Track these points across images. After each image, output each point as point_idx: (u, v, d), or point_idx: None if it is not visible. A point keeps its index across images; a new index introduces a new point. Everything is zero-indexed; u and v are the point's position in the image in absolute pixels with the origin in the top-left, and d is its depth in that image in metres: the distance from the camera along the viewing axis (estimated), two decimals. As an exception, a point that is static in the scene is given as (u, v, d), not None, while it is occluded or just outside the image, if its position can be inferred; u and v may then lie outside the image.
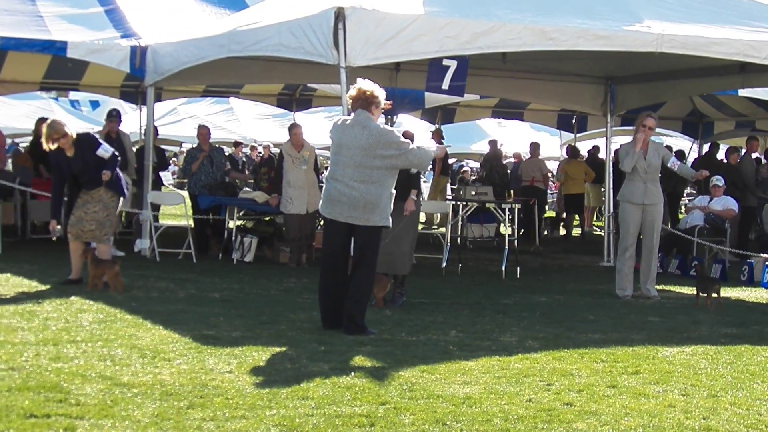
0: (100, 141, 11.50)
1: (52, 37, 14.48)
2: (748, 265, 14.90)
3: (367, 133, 8.89)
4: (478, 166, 25.81)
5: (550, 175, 23.42)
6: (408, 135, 10.47)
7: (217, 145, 17.38)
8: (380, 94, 9.06)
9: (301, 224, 14.31)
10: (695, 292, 11.85)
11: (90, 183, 11.26)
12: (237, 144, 28.77)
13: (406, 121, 27.64)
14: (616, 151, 13.82)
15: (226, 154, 18.89)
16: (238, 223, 15.55)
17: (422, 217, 23.14)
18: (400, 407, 6.37)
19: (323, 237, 9.55)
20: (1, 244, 14.06)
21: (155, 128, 16.57)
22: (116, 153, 11.52)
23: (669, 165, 12.54)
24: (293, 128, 14.85)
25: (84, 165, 11.17)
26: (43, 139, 11.21)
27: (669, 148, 18.03)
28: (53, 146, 11.08)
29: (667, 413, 6.54)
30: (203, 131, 16.22)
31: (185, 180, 18.36)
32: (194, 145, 16.92)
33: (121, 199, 11.67)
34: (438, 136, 23.31)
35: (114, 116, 15.83)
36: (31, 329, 8.45)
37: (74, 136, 11.17)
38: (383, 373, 7.38)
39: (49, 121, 11.48)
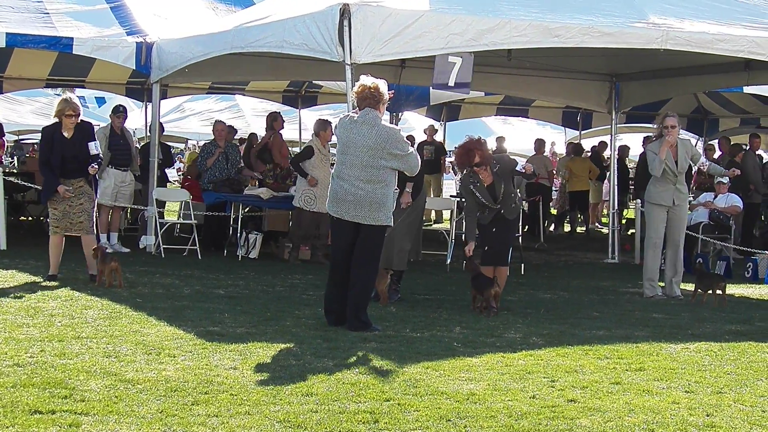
0: (95, 137, 11.68)
1: (59, 34, 14.53)
2: (752, 262, 14.89)
3: (376, 133, 8.89)
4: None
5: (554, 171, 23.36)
6: (409, 138, 10.42)
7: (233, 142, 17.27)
8: (384, 89, 9.07)
9: (320, 222, 13.86)
10: (693, 289, 11.88)
11: (75, 171, 11.33)
12: (242, 141, 28.69)
13: (411, 119, 27.64)
14: (621, 148, 13.76)
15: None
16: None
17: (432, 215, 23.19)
18: (404, 404, 6.39)
19: (330, 235, 9.56)
20: (6, 241, 14.10)
21: (161, 125, 16.57)
22: (101, 155, 11.72)
23: (698, 166, 12.43)
24: (327, 126, 14.30)
25: (78, 150, 11.28)
26: (54, 111, 11.44)
27: None
28: (56, 119, 11.29)
29: (670, 410, 6.54)
30: (219, 127, 16.12)
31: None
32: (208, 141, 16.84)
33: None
34: (432, 132, 23.26)
35: (121, 112, 15.90)
36: (36, 325, 8.48)
37: (78, 120, 11.38)
38: (387, 369, 7.39)
39: (66, 96, 11.74)
